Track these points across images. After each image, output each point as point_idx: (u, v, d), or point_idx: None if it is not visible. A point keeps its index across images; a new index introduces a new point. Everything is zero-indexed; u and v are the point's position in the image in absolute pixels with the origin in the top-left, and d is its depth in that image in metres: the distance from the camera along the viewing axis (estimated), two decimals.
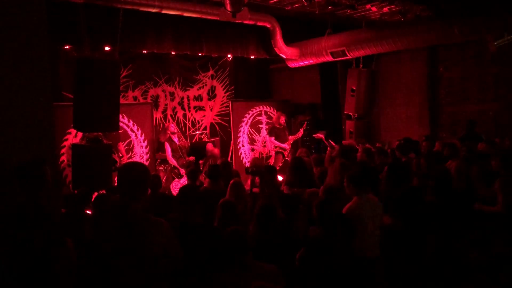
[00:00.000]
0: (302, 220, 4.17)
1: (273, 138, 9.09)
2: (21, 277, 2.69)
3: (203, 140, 9.51)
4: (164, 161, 8.25)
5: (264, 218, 3.63)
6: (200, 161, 8.40)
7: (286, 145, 8.98)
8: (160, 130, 9.63)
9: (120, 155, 7.59)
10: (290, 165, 5.43)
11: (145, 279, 2.52)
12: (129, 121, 8.08)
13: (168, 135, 8.23)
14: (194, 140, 9.75)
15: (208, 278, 2.94)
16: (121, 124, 7.22)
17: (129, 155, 7.81)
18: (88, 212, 4.89)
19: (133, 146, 8.40)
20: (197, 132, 10.03)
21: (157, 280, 2.57)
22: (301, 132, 9.20)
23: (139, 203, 2.60)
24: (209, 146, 8.32)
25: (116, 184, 6.32)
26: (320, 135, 8.38)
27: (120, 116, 7.53)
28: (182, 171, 8.14)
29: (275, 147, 9.20)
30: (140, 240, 2.52)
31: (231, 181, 4.72)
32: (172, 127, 8.42)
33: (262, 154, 10.48)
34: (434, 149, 6.69)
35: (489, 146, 6.31)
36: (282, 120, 9.17)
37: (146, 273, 2.52)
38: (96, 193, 5.43)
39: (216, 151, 8.34)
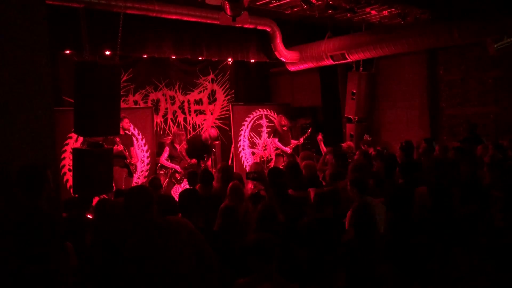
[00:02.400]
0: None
1: (277, 140, 9.04)
2: (21, 281, 2.69)
3: None
4: (164, 166, 8.24)
5: (264, 221, 3.63)
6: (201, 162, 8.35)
7: (288, 149, 8.96)
8: (160, 134, 9.67)
9: (131, 158, 7.62)
10: (285, 169, 5.42)
11: (178, 278, 2.60)
12: (129, 125, 8.07)
13: (176, 141, 8.22)
14: None
15: (228, 283, 2.93)
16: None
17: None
18: (89, 216, 4.88)
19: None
20: None
21: (194, 271, 2.66)
22: (301, 140, 9.22)
23: (155, 211, 2.74)
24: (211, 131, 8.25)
25: (115, 188, 6.36)
26: (320, 137, 8.45)
27: (126, 121, 7.61)
28: (178, 175, 8.12)
29: (276, 149, 9.18)
30: (166, 241, 2.62)
31: (230, 184, 4.70)
32: (183, 135, 8.41)
33: (263, 157, 10.47)
34: (434, 153, 6.68)
35: (495, 148, 6.28)
36: (284, 121, 9.14)
37: (179, 272, 2.61)
38: (97, 198, 5.44)
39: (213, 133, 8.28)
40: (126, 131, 7.73)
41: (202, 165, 8.10)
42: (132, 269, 2.64)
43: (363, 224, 3.50)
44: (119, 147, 7.12)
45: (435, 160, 5.51)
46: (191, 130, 10.33)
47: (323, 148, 8.20)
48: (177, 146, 8.20)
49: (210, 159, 8.47)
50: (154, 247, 2.62)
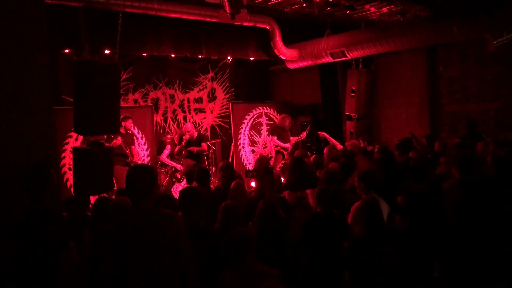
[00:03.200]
0: (296, 223, 4.18)
1: (275, 137, 9.03)
2: (26, 280, 2.70)
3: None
4: (165, 164, 8.25)
5: (265, 218, 3.64)
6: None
7: (288, 145, 8.95)
8: (161, 132, 9.68)
9: (132, 157, 7.60)
10: (289, 166, 5.41)
11: (158, 272, 2.55)
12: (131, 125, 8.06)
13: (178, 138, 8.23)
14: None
15: (211, 277, 2.94)
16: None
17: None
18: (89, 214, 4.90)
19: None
20: None
21: (169, 274, 2.60)
22: (303, 135, 9.19)
23: (151, 201, 2.67)
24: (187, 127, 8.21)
25: (117, 186, 6.35)
26: (325, 134, 8.43)
27: (130, 121, 7.60)
28: (178, 174, 8.12)
29: (276, 146, 9.17)
30: (153, 233, 2.57)
31: (233, 183, 4.71)
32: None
33: (263, 155, 10.47)
34: (435, 149, 6.68)
35: (496, 145, 6.26)
36: (287, 122, 9.14)
37: (159, 266, 2.56)
38: (97, 196, 5.43)
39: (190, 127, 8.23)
40: (128, 130, 7.71)
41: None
42: (108, 248, 2.61)
43: (372, 219, 3.51)
44: (117, 141, 7.07)
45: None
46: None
47: (332, 141, 8.20)
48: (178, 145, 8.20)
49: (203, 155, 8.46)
50: (135, 232, 2.57)
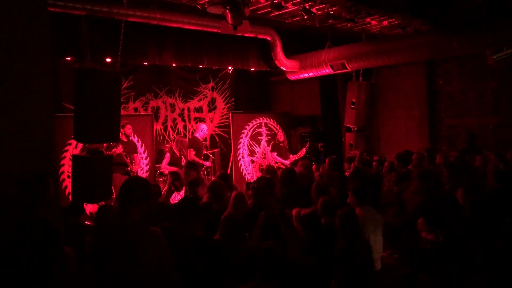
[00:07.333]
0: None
1: (275, 154, 9.16)
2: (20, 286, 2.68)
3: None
4: (163, 173, 8.24)
5: (266, 230, 3.63)
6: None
7: (287, 162, 9.05)
8: (160, 141, 9.67)
9: (133, 165, 7.58)
10: (280, 179, 5.40)
11: None
12: (131, 132, 8.07)
13: (177, 147, 8.25)
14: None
15: None
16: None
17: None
18: (87, 223, 4.88)
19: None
20: None
21: None
22: (303, 153, 9.26)
23: (138, 213, 2.60)
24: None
25: (115, 195, 6.34)
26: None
27: (129, 127, 7.60)
28: (178, 183, 8.10)
29: (276, 162, 9.22)
30: (136, 251, 2.52)
31: (233, 193, 4.70)
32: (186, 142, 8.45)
33: (262, 166, 10.47)
34: (436, 162, 6.70)
35: (498, 159, 6.30)
36: (281, 137, 9.26)
37: (141, 284, 2.51)
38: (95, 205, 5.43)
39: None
40: (129, 137, 7.69)
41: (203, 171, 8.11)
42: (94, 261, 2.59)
43: (349, 229, 3.58)
44: (117, 150, 7.06)
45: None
46: (190, 137, 10.32)
47: None
48: (177, 152, 8.20)
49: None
50: (112, 247, 2.55)
